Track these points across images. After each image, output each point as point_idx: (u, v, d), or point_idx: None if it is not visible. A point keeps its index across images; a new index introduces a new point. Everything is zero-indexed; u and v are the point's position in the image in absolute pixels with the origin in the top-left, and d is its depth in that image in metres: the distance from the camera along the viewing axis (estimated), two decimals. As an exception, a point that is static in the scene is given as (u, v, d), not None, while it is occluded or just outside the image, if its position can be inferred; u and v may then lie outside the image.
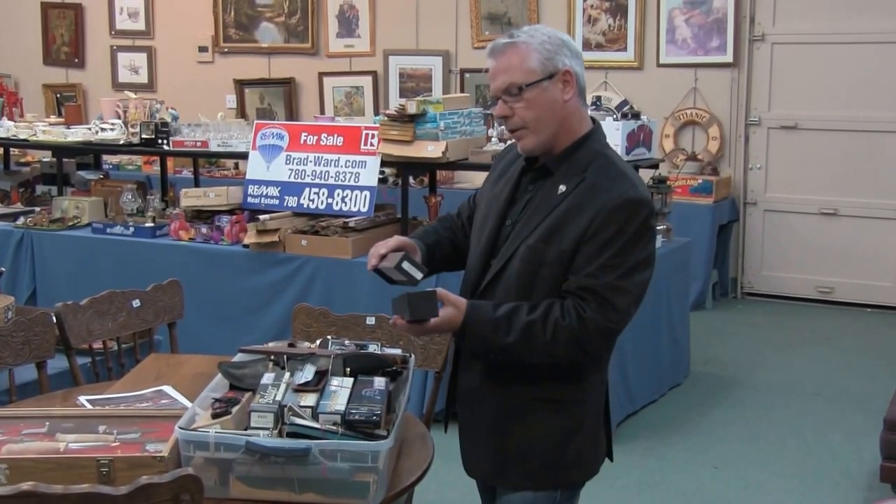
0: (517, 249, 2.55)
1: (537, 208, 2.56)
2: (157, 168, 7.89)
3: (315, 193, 5.78)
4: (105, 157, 8.28)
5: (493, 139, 5.90)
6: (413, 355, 2.93)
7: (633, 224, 2.45)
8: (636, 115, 5.90)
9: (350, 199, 5.69)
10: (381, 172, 6.03)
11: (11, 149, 7.78)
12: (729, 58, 8.04)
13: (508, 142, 5.86)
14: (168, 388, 3.10)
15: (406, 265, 2.62)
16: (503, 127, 5.96)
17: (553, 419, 2.59)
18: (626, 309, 2.50)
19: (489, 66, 2.58)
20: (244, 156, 6.18)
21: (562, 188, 2.53)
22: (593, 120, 2.64)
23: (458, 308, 2.50)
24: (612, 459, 2.81)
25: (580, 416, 2.61)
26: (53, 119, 7.66)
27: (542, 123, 2.54)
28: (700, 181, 7.87)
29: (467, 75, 8.95)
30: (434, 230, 2.93)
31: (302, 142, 5.91)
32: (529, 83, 2.51)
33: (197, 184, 7.35)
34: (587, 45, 8.51)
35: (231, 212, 5.95)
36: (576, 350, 2.48)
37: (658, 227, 5.97)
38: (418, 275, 2.63)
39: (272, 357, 2.82)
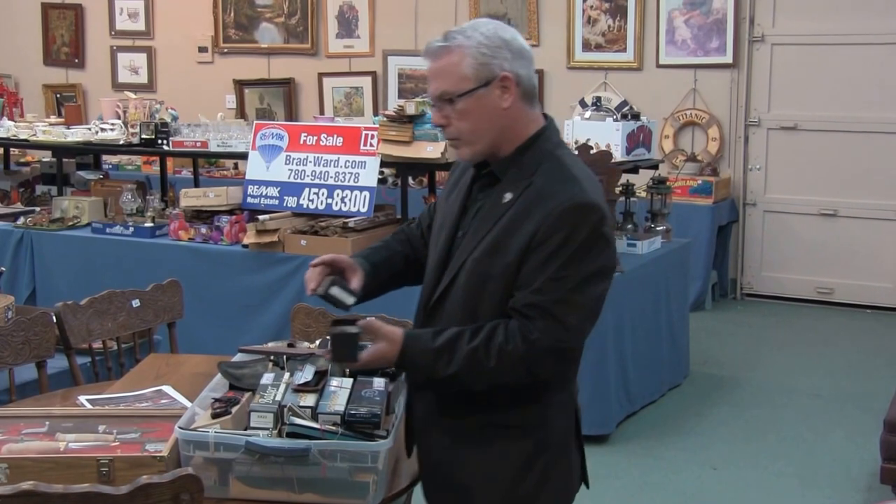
0: (464, 263, 2.36)
1: (484, 218, 2.37)
2: (156, 168, 7.89)
3: (314, 194, 5.78)
4: (105, 158, 8.28)
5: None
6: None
7: (582, 231, 2.25)
8: (636, 116, 5.91)
9: (349, 200, 5.69)
10: (381, 173, 6.02)
11: (11, 149, 7.78)
12: (728, 58, 8.05)
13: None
14: (168, 388, 3.10)
15: (335, 290, 2.47)
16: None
17: (512, 446, 2.39)
18: (578, 325, 2.30)
19: (427, 67, 2.41)
20: (244, 156, 6.18)
21: (507, 196, 2.34)
22: (546, 116, 2.45)
23: (392, 341, 2.33)
24: (587, 486, 2.60)
25: (543, 441, 2.41)
26: (53, 119, 7.66)
27: (478, 134, 2.35)
28: (700, 182, 7.87)
29: (467, 76, 8.94)
30: (385, 245, 2.75)
31: (301, 142, 5.91)
32: (462, 93, 2.32)
33: (196, 184, 7.35)
34: (587, 46, 8.52)
35: (230, 212, 5.95)
36: (524, 374, 2.30)
37: (658, 228, 6.00)
38: (349, 300, 2.49)
39: (272, 357, 2.82)
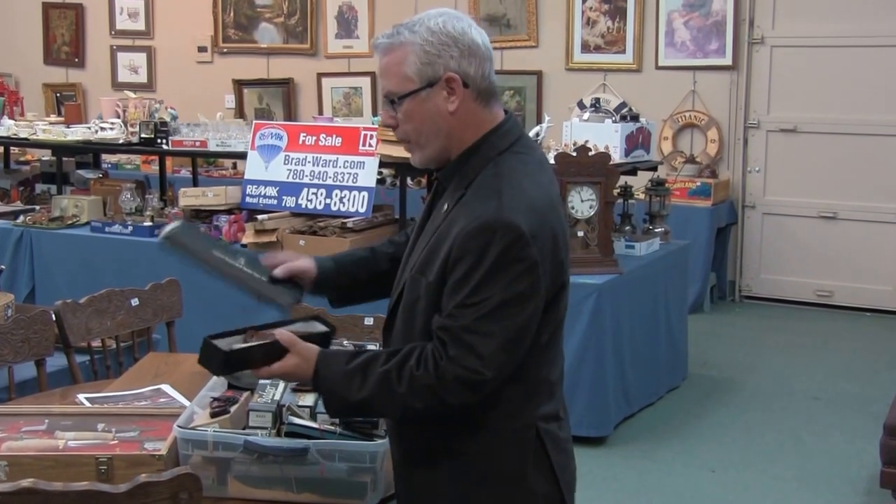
0: (406, 280, 2.23)
1: (426, 232, 2.23)
2: (155, 168, 7.89)
3: (313, 194, 5.79)
4: (104, 157, 8.28)
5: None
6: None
7: (491, 254, 2.03)
8: (635, 118, 5.91)
9: (348, 200, 5.69)
10: (380, 173, 6.03)
11: (11, 147, 7.78)
12: (728, 60, 8.05)
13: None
14: (166, 387, 3.11)
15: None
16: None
17: (458, 473, 2.21)
18: (492, 356, 2.06)
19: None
20: (243, 156, 6.19)
21: (445, 207, 2.19)
22: (506, 113, 2.26)
23: (306, 359, 2.20)
24: None
25: (481, 471, 2.20)
26: (53, 118, 7.66)
27: (425, 138, 2.20)
28: (698, 184, 7.87)
29: (466, 77, 8.94)
30: (371, 248, 2.61)
31: (300, 142, 5.92)
32: (404, 94, 2.16)
33: (195, 183, 7.35)
34: (586, 47, 8.52)
35: (229, 211, 5.95)
36: (435, 402, 2.10)
37: (656, 230, 6.00)
38: (282, 297, 2.46)
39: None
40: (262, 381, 2.54)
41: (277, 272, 2.50)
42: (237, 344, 2.34)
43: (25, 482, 2.00)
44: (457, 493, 2.22)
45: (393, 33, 2.18)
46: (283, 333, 2.25)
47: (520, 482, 2.22)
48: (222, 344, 2.34)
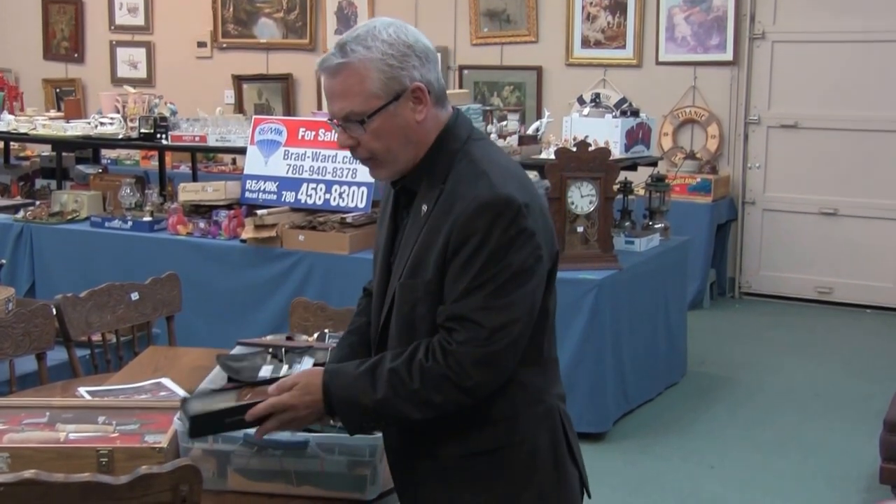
0: (395, 290, 2.19)
1: (408, 237, 2.19)
2: (155, 163, 7.89)
3: (313, 189, 5.79)
4: (104, 152, 8.28)
5: (493, 135, 5.90)
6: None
7: (496, 230, 2.04)
8: (635, 113, 5.91)
9: (348, 195, 5.70)
10: (380, 168, 6.02)
11: (11, 143, 7.78)
12: (729, 56, 8.04)
13: (507, 139, 5.91)
14: (166, 381, 3.11)
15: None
16: (503, 123, 6.01)
17: (493, 474, 2.19)
18: (503, 328, 2.06)
19: (324, 84, 2.19)
20: (242, 151, 6.19)
21: (424, 208, 2.15)
22: (454, 109, 2.25)
23: (309, 386, 2.17)
24: (589, 495, 2.37)
25: (525, 461, 2.20)
26: (53, 113, 7.67)
27: (395, 153, 2.16)
28: (698, 180, 7.87)
29: (465, 72, 8.95)
30: (350, 331, 2.47)
31: (300, 137, 5.92)
32: (373, 112, 2.11)
33: (195, 178, 7.36)
34: (586, 43, 8.52)
35: (229, 206, 5.96)
36: (454, 392, 2.08)
37: (656, 226, 6.00)
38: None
39: (270, 350, 2.82)
40: (261, 375, 2.54)
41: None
42: (225, 402, 2.30)
43: (27, 473, 2.01)
44: (503, 496, 2.21)
45: (345, 52, 2.12)
46: (276, 385, 2.22)
47: (559, 469, 2.24)
48: (203, 403, 2.31)
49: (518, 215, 2.06)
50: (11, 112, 7.43)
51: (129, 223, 6.08)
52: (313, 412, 2.18)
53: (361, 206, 5.65)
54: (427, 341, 2.11)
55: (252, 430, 2.28)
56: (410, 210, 2.22)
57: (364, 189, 5.65)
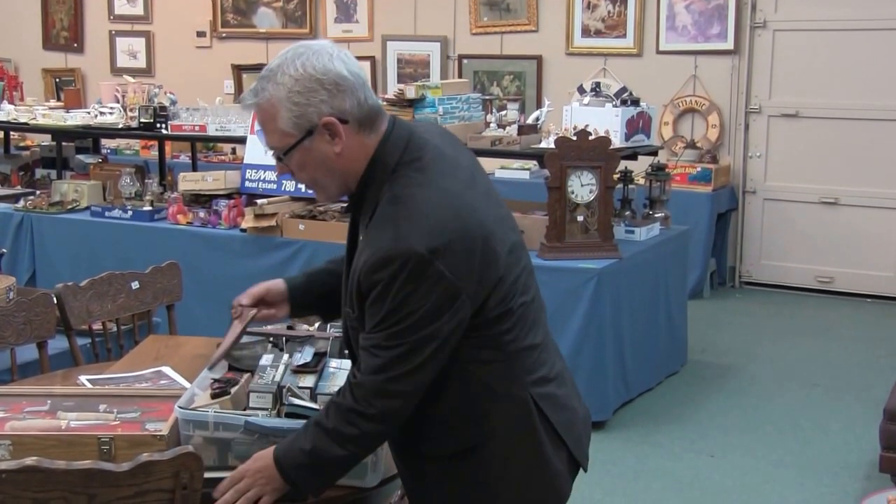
0: (344, 312, 2.30)
1: (351, 263, 2.25)
2: (155, 153, 7.89)
3: (313, 178, 5.78)
4: (103, 142, 8.28)
5: (492, 124, 5.90)
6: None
7: (398, 280, 2.05)
8: (635, 102, 5.90)
9: (348, 185, 5.68)
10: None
11: (11, 132, 7.78)
12: (729, 45, 8.03)
13: (507, 128, 5.90)
14: (167, 369, 3.11)
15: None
16: (503, 112, 6.00)
17: (472, 472, 2.25)
18: (404, 359, 2.10)
19: None
20: (242, 140, 6.19)
21: (361, 238, 2.20)
22: (389, 121, 2.22)
23: (262, 456, 2.25)
24: (585, 470, 2.42)
25: (501, 454, 2.24)
26: (53, 103, 7.66)
27: (321, 183, 2.21)
28: (699, 169, 7.86)
29: (465, 61, 8.94)
30: (341, 258, 2.49)
31: (301, 126, 5.91)
32: (287, 148, 2.15)
33: (195, 168, 7.36)
34: (586, 32, 8.50)
35: (229, 196, 5.96)
36: (363, 422, 2.15)
37: (656, 215, 6.00)
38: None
39: (271, 339, 2.83)
40: (262, 363, 2.55)
41: (242, 299, 2.60)
42: None
43: (29, 460, 2.02)
44: (474, 491, 2.26)
45: (258, 90, 2.15)
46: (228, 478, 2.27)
47: (537, 454, 2.27)
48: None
49: (418, 266, 2.04)
50: (11, 102, 7.43)
51: (129, 213, 6.09)
52: (269, 480, 2.23)
53: (362, 195, 5.64)
54: (346, 381, 2.20)
55: (253, 418, 2.35)
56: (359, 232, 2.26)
57: (364, 178, 5.64)
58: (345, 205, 5.59)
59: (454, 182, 2.19)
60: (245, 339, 2.89)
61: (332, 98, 2.11)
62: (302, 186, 5.75)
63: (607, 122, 5.67)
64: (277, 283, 2.60)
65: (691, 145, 8.17)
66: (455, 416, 2.23)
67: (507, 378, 2.23)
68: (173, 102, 6.60)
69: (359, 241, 2.23)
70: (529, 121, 6.04)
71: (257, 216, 5.62)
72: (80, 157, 7.22)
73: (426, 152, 2.21)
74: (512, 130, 5.84)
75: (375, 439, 2.23)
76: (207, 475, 2.19)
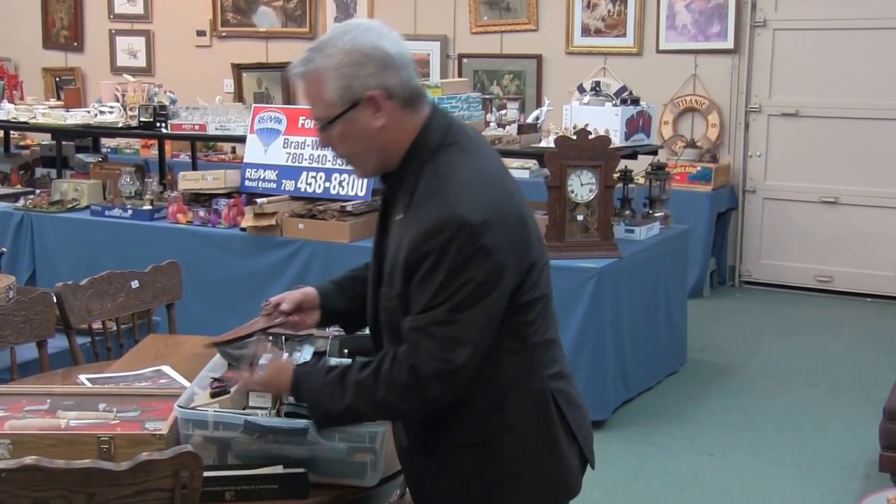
0: (378, 296, 2.30)
1: (388, 244, 2.26)
2: (154, 152, 7.89)
3: (312, 177, 5.79)
4: (103, 141, 8.28)
5: (492, 124, 5.90)
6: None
7: (451, 249, 2.08)
8: (635, 101, 5.90)
9: (348, 184, 5.69)
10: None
11: (11, 131, 7.78)
12: (729, 44, 8.03)
13: (507, 127, 5.90)
14: (167, 368, 3.11)
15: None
16: (503, 111, 6.00)
17: (487, 463, 2.27)
18: (462, 342, 2.13)
19: None
20: (242, 139, 6.19)
21: (398, 217, 2.22)
22: (432, 107, 2.27)
23: (281, 373, 2.31)
24: (593, 466, 2.45)
25: (517, 447, 2.27)
26: (53, 102, 7.67)
27: (361, 156, 2.24)
28: (699, 168, 7.86)
29: (465, 60, 8.94)
30: (365, 265, 2.56)
31: (300, 125, 5.91)
32: (331, 119, 2.19)
33: (195, 167, 7.36)
34: (586, 31, 8.51)
35: (228, 195, 5.96)
36: (415, 402, 2.17)
37: (656, 215, 6.00)
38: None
39: (270, 338, 2.82)
40: (261, 363, 2.54)
41: (284, 305, 2.57)
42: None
43: (28, 459, 2.01)
44: (487, 482, 2.28)
45: (306, 59, 2.20)
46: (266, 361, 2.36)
47: (547, 451, 2.30)
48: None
49: (470, 235, 2.08)
50: (11, 101, 7.43)
51: (129, 212, 6.09)
52: (281, 389, 2.34)
53: (361, 194, 5.65)
54: (393, 352, 2.17)
55: (253, 417, 2.34)
56: (393, 212, 2.28)
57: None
58: (346, 204, 5.60)
59: (492, 167, 2.27)
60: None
61: (378, 73, 2.16)
62: (303, 185, 5.76)
63: (607, 122, 5.67)
64: (311, 291, 2.57)
65: (691, 144, 8.17)
66: (478, 405, 2.25)
67: (528, 370, 2.27)
68: (173, 101, 6.60)
69: (392, 222, 2.26)
70: (529, 120, 6.04)
71: (257, 215, 5.61)
72: (80, 156, 7.23)
73: (465, 138, 2.27)
74: (512, 130, 5.85)
75: (415, 415, 2.26)
76: (207, 474, 2.19)
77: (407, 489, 3.11)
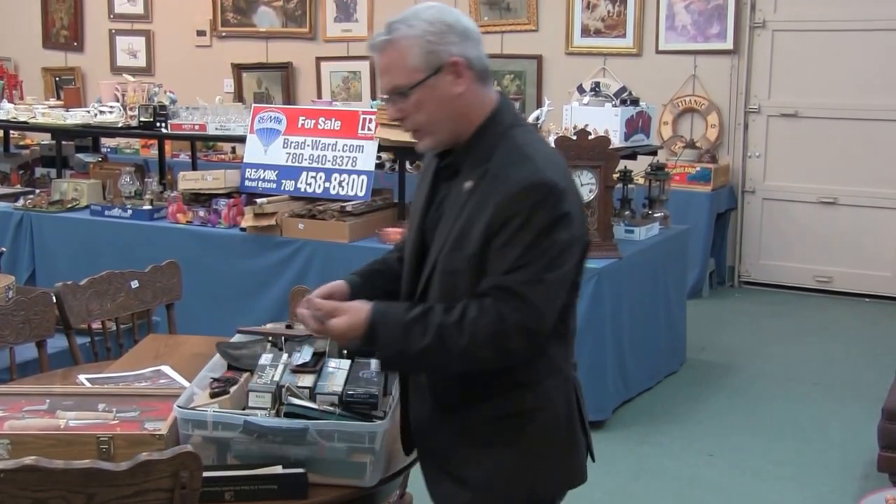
0: (436, 260, 2.32)
1: (448, 212, 2.32)
2: (154, 152, 7.89)
3: (312, 177, 5.79)
4: (103, 141, 8.28)
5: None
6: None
7: (541, 210, 2.18)
8: (635, 102, 5.90)
9: (347, 184, 5.70)
10: (378, 157, 6.03)
11: (11, 131, 7.78)
12: (729, 45, 8.04)
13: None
14: (166, 368, 3.11)
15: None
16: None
17: (515, 437, 2.34)
18: (548, 301, 2.22)
19: (375, 61, 2.35)
20: (242, 139, 6.19)
21: (467, 185, 2.29)
22: (500, 94, 2.41)
23: (357, 314, 2.26)
24: (594, 459, 2.53)
25: (545, 425, 2.35)
26: (53, 102, 7.66)
27: (437, 124, 2.31)
28: (698, 169, 7.87)
29: (466, 61, 8.93)
30: (382, 259, 2.67)
31: (300, 125, 5.92)
32: (414, 84, 2.26)
33: (194, 167, 7.36)
34: (586, 31, 8.51)
35: (228, 195, 5.96)
36: (497, 352, 2.21)
37: (655, 215, 6.01)
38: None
39: (270, 338, 2.83)
40: (261, 363, 2.55)
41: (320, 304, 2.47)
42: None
43: (27, 460, 2.01)
44: (519, 457, 2.34)
45: (390, 29, 2.28)
46: (323, 302, 2.32)
47: (570, 436, 2.41)
48: None
49: (558, 198, 2.20)
50: (11, 100, 7.42)
51: (129, 212, 6.09)
52: (354, 336, 2.29)
53: (361, 194, 5.65)
54: (478, 302, 2.21)
55: (252, 417, 2.36)
56: (451, 184, 2.35)
57: (364, 177, 5.65)
58: (345, 204, 5.59)
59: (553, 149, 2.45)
60: (244, 339, 2.91)
61: (460, 43, 2.29)
62: (303, 185, 5.76)
63: (607, 122, 5.67)
64: (341, 284, 2.55)
65: (690, 145, 8.17)
66: (517, 380, 2.32)
67: (561, 354, 2.38)
68: (173, 101, 6.60)
69: (450, 193, 2.33)
70: (529, 120, 6.04)
71: (257, 215, 5.61)
72: (80, 155, 7.23)
73: (528, 123, 2.44)
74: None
75: (490, 365, 2.27)
76: (206, 475, 2.19)
77: (406, 489, 3.13)
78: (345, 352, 2.61)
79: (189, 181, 6.07)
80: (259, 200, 5.68)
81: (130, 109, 6.50)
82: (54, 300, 3.63)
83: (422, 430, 2.45)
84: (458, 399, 2.35)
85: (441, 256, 2.30)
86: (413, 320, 2.22)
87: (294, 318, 3.09)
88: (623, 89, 7.77)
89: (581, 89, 7.73)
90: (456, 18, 2.31)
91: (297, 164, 5.84)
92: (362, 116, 5.75)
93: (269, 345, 2.79)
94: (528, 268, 2.18)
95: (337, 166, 5.72)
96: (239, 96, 9.82)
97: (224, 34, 10.08)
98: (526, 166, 2.23)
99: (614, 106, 5.79)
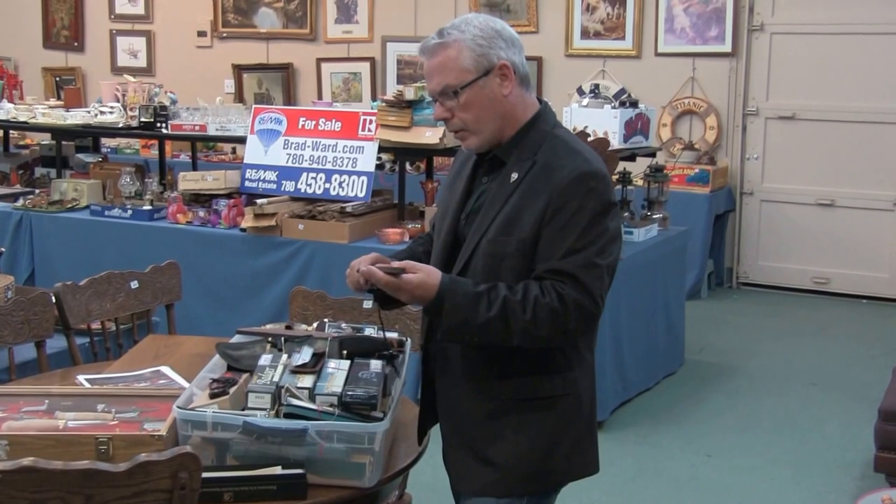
0: (477, 245, 2.43)
1: (493, 200, 2.44)
2: (155, 152, 7.90)
3: (312, 178, 5.80)
4: (103, 141, 8.28)
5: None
6: (409, 339, 2.94)
7: (593, 199, 2.35)
8: (634, 104, 5.91)
9: (347, 185, 5.70)
10: (379, 158, 6.03)
11: (11, 131, 7.78)
12: (727, 47, 8.05)
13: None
14: (166, 369, 3.12)
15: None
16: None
17: (540, 419, 2.44)
18: (603, 285, 2.37)
19: (424, 65, 2.48)
20: (242, 140, 6.19)
21: (514, 176, 2.43)
22: (540, 101, 2.54)
23: (430, 276, 2.33)
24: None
25: (570, 411, 2.47)
26: (53, 102, 7.66)
27: (483, 123, 2.44)
28: (697, 170, 7.88)
29: (466, 62, 8.93)
30: (408, 247, 2.80)
31: (300, 126, 5.92)
32: (465, 84, 2.41)
33: (195, 167, 7.36)
34: (585, 34, 8.52)
35: (229, 195, 5.96)
36: (557, 329, 2.33)
37: (654, 216, 6.02)
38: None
39: (270, 339, 2.83)
40: (261, 363, 2.56)
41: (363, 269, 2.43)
42: None
43: (26, 461, 2.01)
44: (543, 443, 2.45)
45: (444, 34, 2.44)
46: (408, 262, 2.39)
47: (590, 420, 2.56)
48: None
49: (609, 189, 2.39)
50: (11, 100, 7.43)
51: (129, 212, 6.09)
52: (423, 297, 2.35)
53: (361, 195, 5.66)
54: (539, 282, 2.34)
55: (251, 418, 2.37)
56: (493, 177, 2.48)
57: (364, 178, 5.66)
58: (345, 205, 5.59)
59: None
60: (243, 339, 2.91)
61: (508, 48, 2.44)
62: (303, 186, 5.77)
63: (606, 124, 5.69)
64: (380, 256, 2.53)
65: (689, 147, 8.18)
66: (553, 364, 2.44)
67: (589, 343, 2.55)
68: (173, 102, 6.61)
69: (494, 184, 2.45)
70: (528, 122, 6.04)
71: (257, 216, 5.62)
72: (80, 156, 7.22)
73: (567, 129, 2.59)
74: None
75: (550, 344, 2.39)
76: (206, 475, 2.20)
77: (406, 490, 3.14)
78: (344, 352, 2.62)
79: (189, 181, 6.08)
80: (259, 201, 5.69)
81: (131, 110, 6.51)
82: (54, 300, 3.63)
83: (449, 408, 2.54)
84: (492, 378, 2.45)
85: (484, 241, 2.41)
86: (481, 293, 2.32)
87: (294, 319, 3.09)
88: (622, 91, 7.79)
89: (580, 91, 7.75)
90: (503, 26, 2.47)
91: (297, 164, 5.84)
92: (362, 117, 5.75)
93: (268, 345, 2.79)
94: (583, 252, 2.33)
95: (337, 167, 5.73)
96: (239, 97, 9.82)
97: (225, 35, 10.09)
98: (577, 158, 2.39)
99: (613, 108, 5.80)
